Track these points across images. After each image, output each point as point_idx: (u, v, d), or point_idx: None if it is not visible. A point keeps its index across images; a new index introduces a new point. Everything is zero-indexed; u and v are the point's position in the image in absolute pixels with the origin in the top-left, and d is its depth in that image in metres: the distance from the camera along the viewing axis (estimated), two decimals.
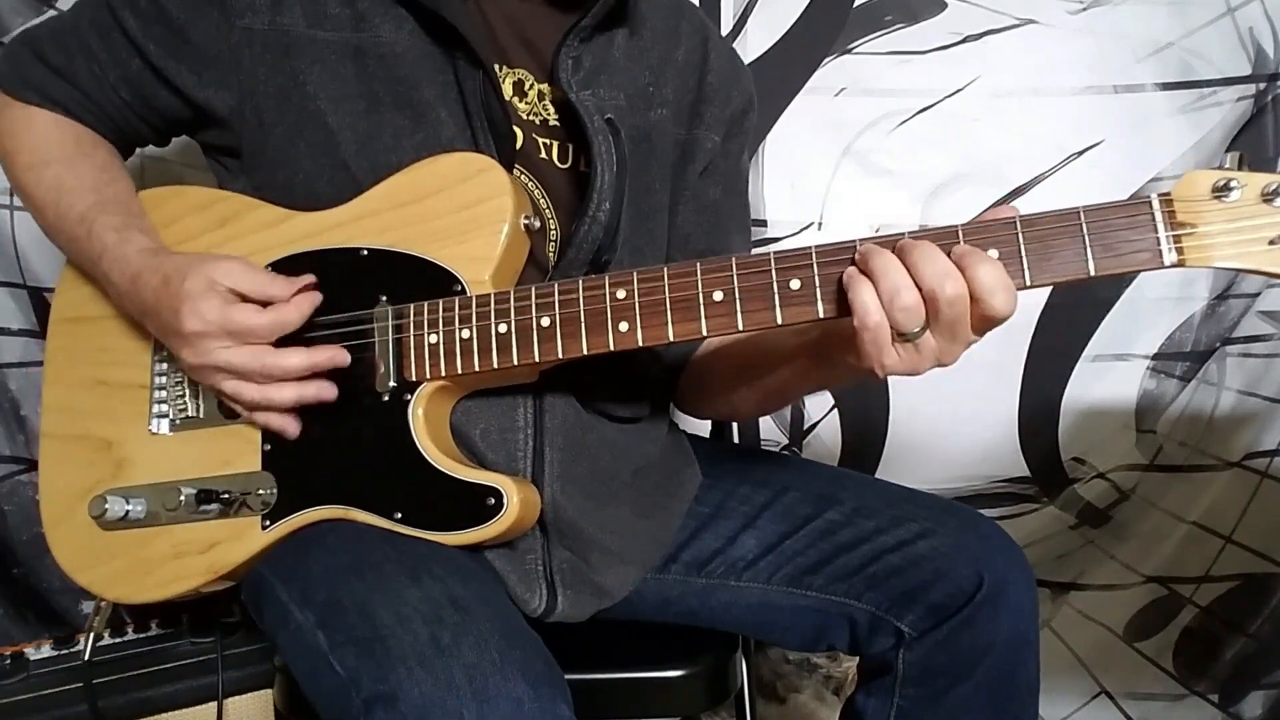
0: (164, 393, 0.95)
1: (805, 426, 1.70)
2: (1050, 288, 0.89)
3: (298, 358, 0.84)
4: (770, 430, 1.71)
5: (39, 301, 1.56)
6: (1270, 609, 1.62)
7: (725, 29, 1.58)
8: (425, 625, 0.71)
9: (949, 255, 0.71)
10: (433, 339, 0.85)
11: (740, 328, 0.78)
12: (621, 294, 0.80)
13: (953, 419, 1.66)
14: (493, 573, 0.89)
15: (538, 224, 0.89)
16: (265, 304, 0.85)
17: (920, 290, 0.70)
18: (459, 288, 0.86)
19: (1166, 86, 1.57)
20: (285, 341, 0.86)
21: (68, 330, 1.01)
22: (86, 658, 1.21)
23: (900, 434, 1.69)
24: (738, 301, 0.77)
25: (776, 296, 0.77)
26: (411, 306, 0.86)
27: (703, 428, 1.32)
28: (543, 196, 0.95)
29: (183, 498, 0.89)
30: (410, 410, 0.85)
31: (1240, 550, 1.63)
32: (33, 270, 1.55)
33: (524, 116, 0.95)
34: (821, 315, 0.76)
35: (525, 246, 0.89)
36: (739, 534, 1.02)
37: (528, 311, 0.83)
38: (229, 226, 0.94)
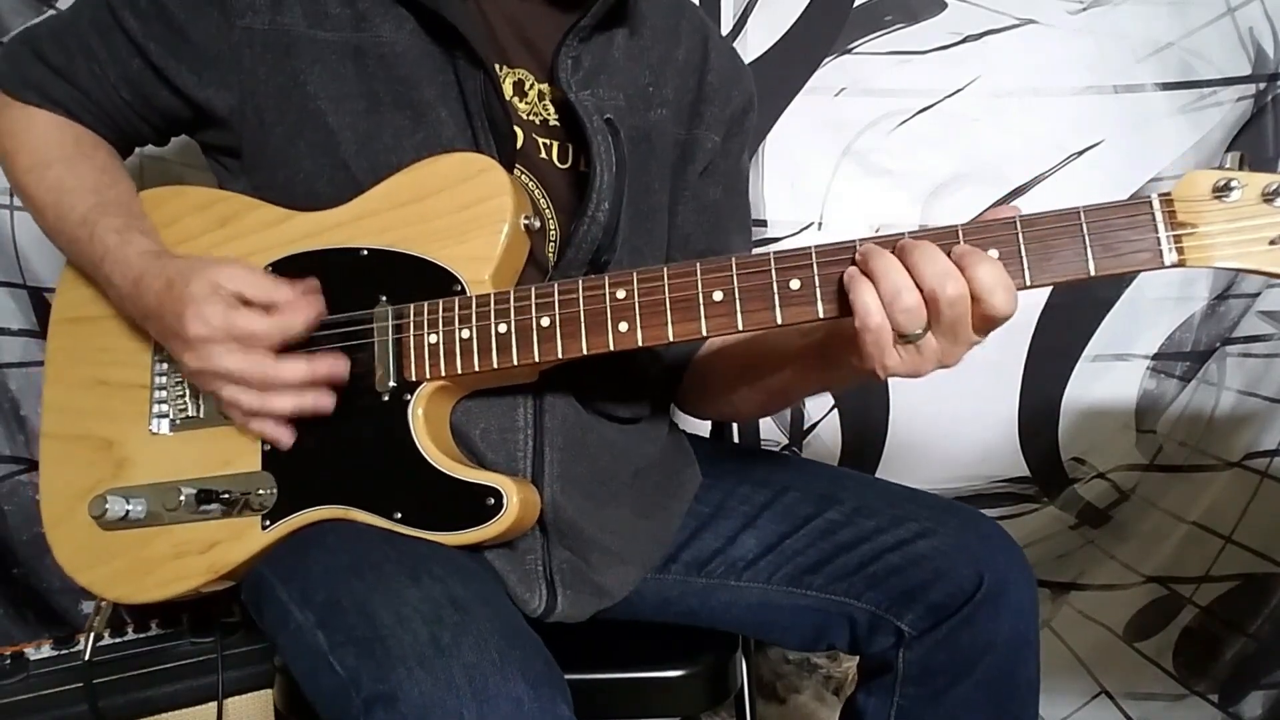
0: (164, 393, 0.95)
1: (805, 426, 1.71)
2: (1050, 288, 0.89)
3: (298, 368, 0.84)
4: (770, 430, 1.71)
5: (39, 301, 1.56)
6: (1270, 609, 1.62)
7: (725, 29, 1.58)
8: (425, 625, 0.71)
9: (948, 255, 0.71)
10: (433, 339, 0.85)
11: (740, 328, 0.78)
12: (621, 294, 0.80)
13: (953, 419, 1.66)
14: (493, 573, 0.89)
15: (538, 224, 0.89)
16: (269, 309, 0.85)
17: (921, 291, 0.70)
18: (459, 288, 0.86)
19: (1166, 86, 1.57)
20: (287, 347, 0.86)
21: (68, 330, 1.01)
22: (87, 658, 1.21)
23: (900, 434, 1.69)
24: (737, 301, 0.77)
25: (776, 296, 0.77)
26: (411, 306, 0.86)
27: (703, 428, 1.32)
28: (543, 196, 0.95)
29: (183, 498, 0.89)
30: (410, 410, 0.85)
31: (1240, 550, 1.63)
32: (33, 270, 1.55)
33: (524, 116, 0.95)
34: (821, 315, 0.76)
35: (525, 246, 0.89)
36: (739, 534, 1.02)
37: (527, 311, 0.83)
38: (229, 226, 0.94)
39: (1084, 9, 1.56)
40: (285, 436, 0.87)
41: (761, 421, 1.69)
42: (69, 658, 1.23)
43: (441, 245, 0.87)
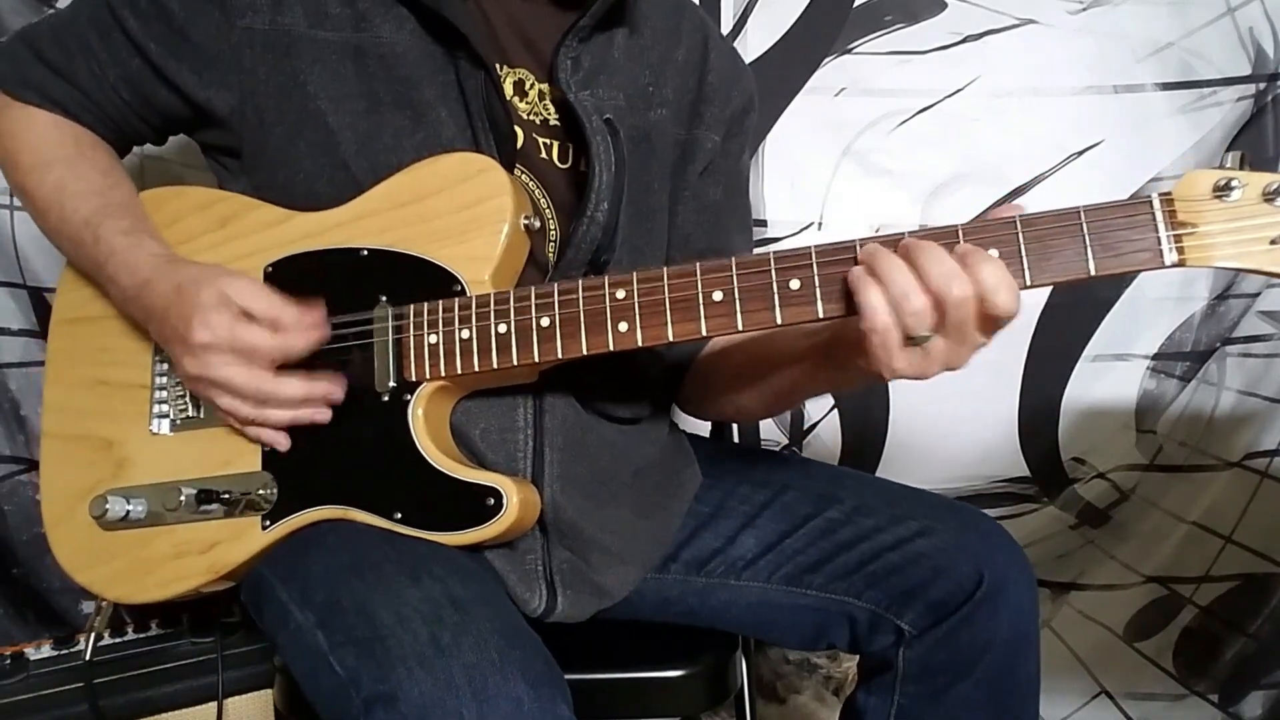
0: (164, 393, 0.95)
1: (805, 426, 1.71)
2: (1050, 288, 0.89)
3: (295, 387, 0.84)
4: (770, 430, 1.71)
5: (39, 301, 1.56)
6: (1270, 609, 1.62)
7: (725, 29, 1.58)
8: (425, 625, 0.71)
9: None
10: (432, 339, 0.85)
11: (740, 328, 0.78)
12: (621, 294, 0.80)
13: (953, 419, 1.66)
14: (492, 573, 0.89)
15: (538, 224, 0.89)
16: (273, 327, 0.84)
17: (928, 293, 0.70)
18: (459, 288, 0.86)
19: (1166, 86, 1.57)
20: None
21: (69, 331, 1.01)
22: (87, 658, 1.21)
23: (900, 434, 1.69)
24: (737, 302, 0.77)
25: (776, 297, 0.77)
26: (411, 307, 0.86)
27: (703, 428, 1.32)
28: (543, 196, 0.95)
29: (183, 498, 0.89)
30: (410, 410, 0.85)
31: (1240, 550, 1.63)
32: (33, 270, 1.55)
33: (524, 116, 0.95)
34: (821, 315, 0.76)
35: (525, 246, 0.89)
36: (739, 533, 1.02)
37: (527, 312, 0.83)
38: (229, 227, 0.94)
39: (1084, 9, 1.56)
40: (282, 441, 0.87)
41: (761, 422, 1.69)
42: (69, 658, 1.23)
43: (441, 245, 0.87)
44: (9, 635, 1.58)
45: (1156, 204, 0.69)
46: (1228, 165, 0.69)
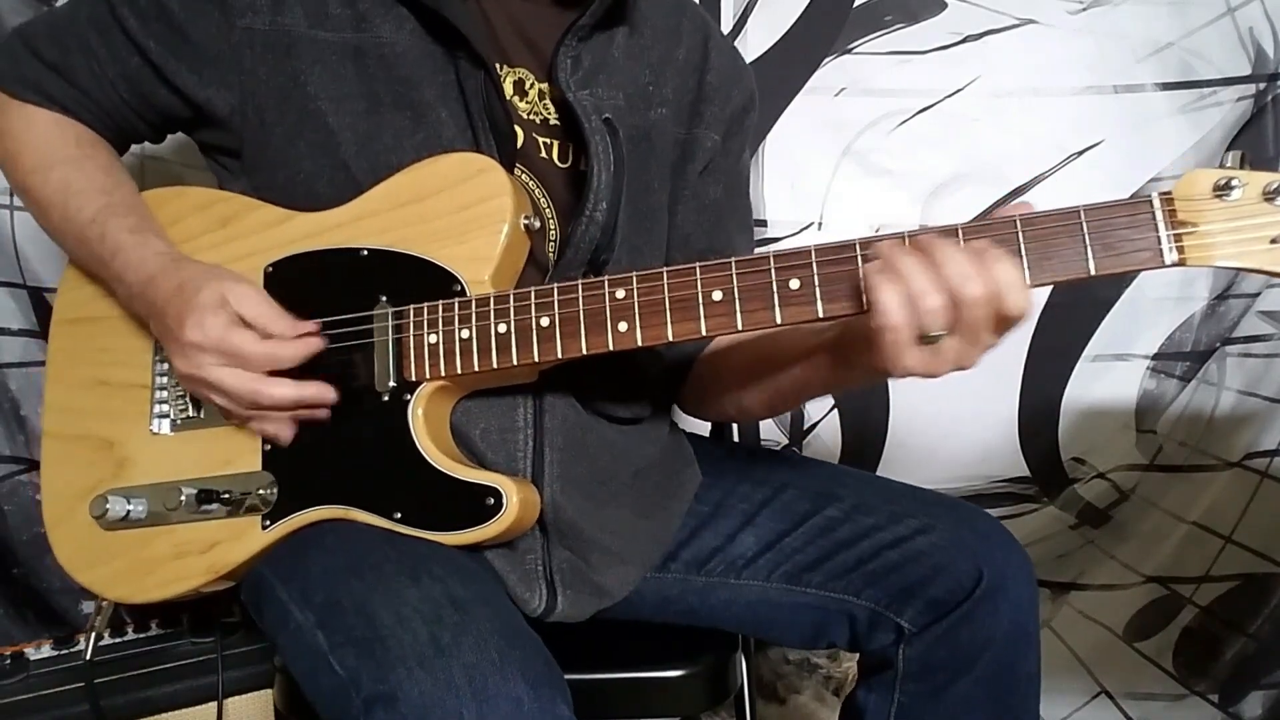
0: (165, 393, 0.95)
1: (805, 426, 1.71)
2: (1050, 287, 0.89)
3: (286, 391, 0.84)
4: (770, 430, 1.71)
5: (39, 301, 1.56)
6: (1270, 609, 1.62)
7: (725, 29, 1.58)
8: (425, 625, 0.71)
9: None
10: (432, 339, 0.85)
11: (739, 328, 0.78)
12: (621, 294, 0.81)
13: (953, 419, 1.66)
14: (492, 573, 0.89)
15: (538, 224, 0.89)
16: (265, 336, 0.85)
17: (944, 291, 0.70)
18: (459, 288, 0.86)
19: (1166, 86, 1.57)
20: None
21: (69, 331, 1.01)
22: (88, 658, 1.21)
23: (900, 434, 1.69)
24: (737, 301, 0.77)
25: (776, 296, 0.77)
26: (411, 307, 0.86)
27: (703, 428, 1.32)
28: (543, 196, 0.95)
29: (183, 498, 0.89)
30: (410, 410, 0.86)
31: (1240, 550, 1.63)
32: (33, 270, 1.55)
33: (524, 116, 0.95)
34: (821, 315, 0.76)
35: (525, 246, 0.89)
36: (738, 532, 1.02)
37: (527, 312, 0.83)
38: (230, 227, 0.94)
39: (1084, 9, 1.56)
40: (285, 433, 0.88)
41: (762, 422, 1.69)
42: (69, 658, 1.23)
43: (441, 245, 0.87)
44: (9, 635, 1.58)
45: (1157, 203, 0.70)
46: (1228, 165, 0.69)
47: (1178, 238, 0.69)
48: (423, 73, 0.91)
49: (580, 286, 0.82)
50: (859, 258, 0.75)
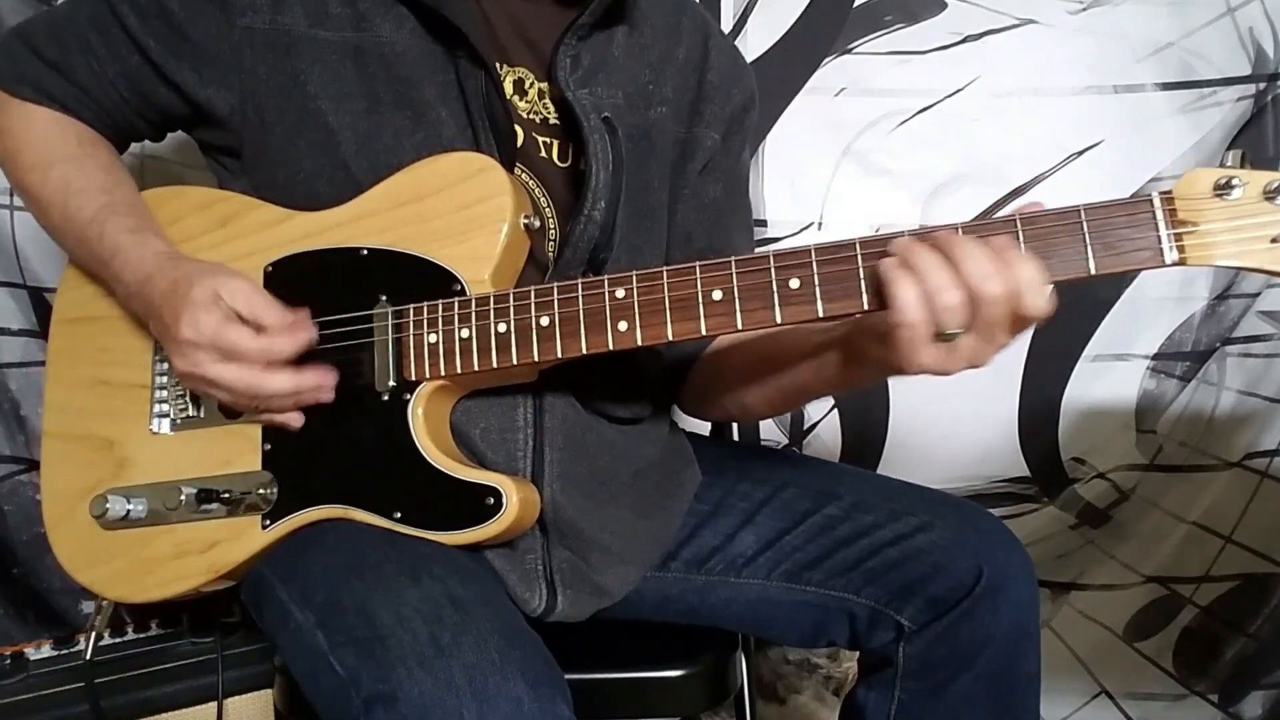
0: (165, 392, 0.95)
1: (805, 427, 1.71)
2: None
3: (284, 381, 0.84)
4: (770, 430, 1.71)
5: (39, 301, 1.56)
6: (1270, 609, 1.62)
7: (725, 29, 1.58)
8: (425, 625, 0.71)
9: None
10: (432, 338, 0.85)
11: (739, 327, 0.78)
12: (620, 293, 0.80)
13: (953, 419, 1.66)
14: (492, 572, 0.89)
15: (537, 223, 0.89)
16: (259, 330, 0.84)
17: (963, 288, 0.69)
18: (458, 287, 0.86)
19: (1166, 86, 1.57)
20: None
21: (69, 330, 1.01)
22: (88, 657, 1.21)
23: (900, 434, 1.69)
24: (737, 301, 0.77)
25: (776, 296, 0.77)
26: (411, 306, 0.86)
27: (703, 427, 1.32)
28: (543, 195, 0.95)
29: (183, 497, 0.89)
30: (410, 410, 0.85)
31: (1240, 550, 1.63)
32: (33, 270, 1.55)
33: (524, 115, 0.95)
34: (821, 315, 0.76)
35: (525, 246, 0.89)
36: (738, 531, 1.02)
37: (527, 311, 0.83)
38: (229, 226, 0.94)
39: (1084, 9, 1.56)
40: (294, 420, 0.87)
41: (761, 422, 1.69)
42: (69, 658, 1.23)
43: (441, 245, 0.87)
44: (9, 635, 1.58)
45: (1157, 202, 0.69)
46: (1228, 164, 0.69)
47: (1178, 237, 0.69)
48: (423, 72, 0.91)
49: (580, 286, 0.82)
50: (859, 257, 0.75)
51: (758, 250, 0.93)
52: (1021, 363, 1.65)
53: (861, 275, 0.75)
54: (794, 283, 0.76)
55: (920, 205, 1.61)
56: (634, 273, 0.80)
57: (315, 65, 0.91)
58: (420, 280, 0.86)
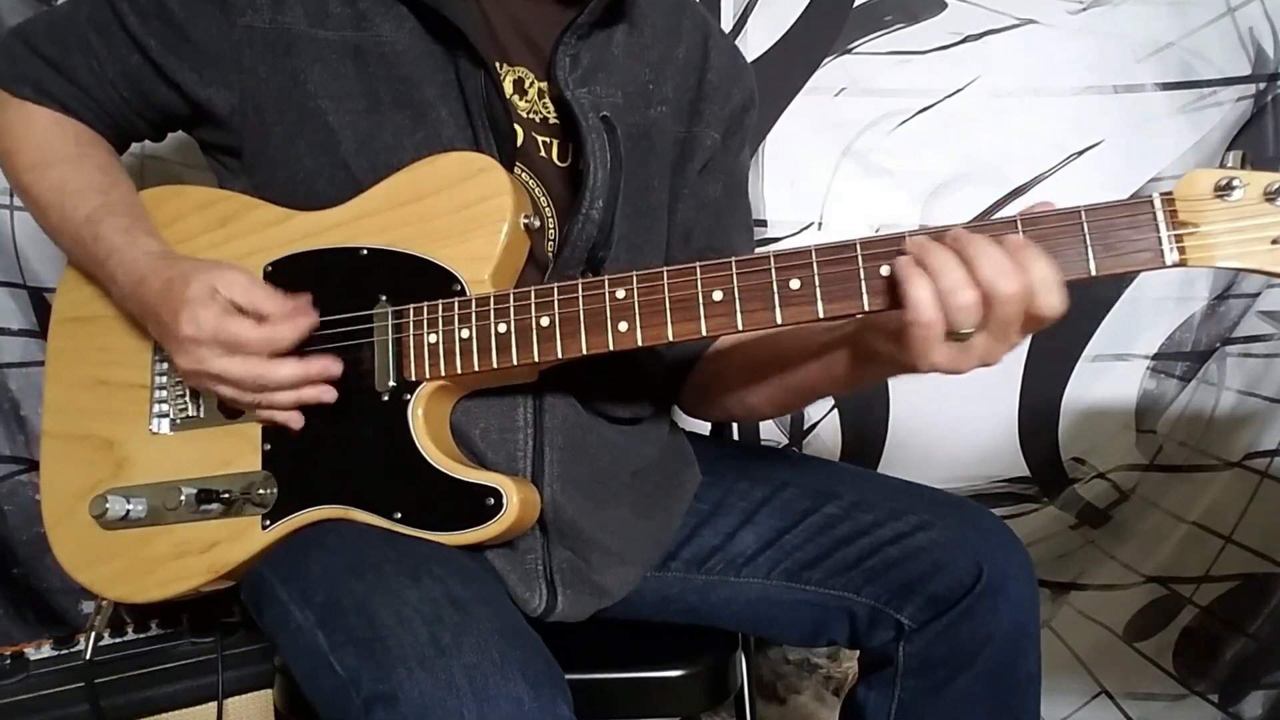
0: (164, 392, 0.95)
1: (805, 427, 1.71)
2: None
3: (290, 369, 0.84)
4: (770, 431, 1.71)
5: (39, 301, 1.56)
6: (1270, 609, 1.62)
7: (725, 29, 1.58)
8: (425, 625, 0.71)
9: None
10: (432, 339, 0.85)
11: (740, 328, 0.78)
12: (621, 294, 0.80)
13: (953, 419, 1.66)
14: (493, 573, 0.89)
15: (538, 223, 0.89)
16: (259, 319, 0.84)
17: (978, 288, 0.69)
18: (459, 287, 0.86)
19: (1166, 86, 1.57)
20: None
21: (69, 330, 1.01)
22: (88, 657, 1.21)
23: (900, 434, 1.69)
24: (737, 301, 0.77)
25: (776, 297, 0.77)
26: (411, 306, 0.86)
27: (703, 427, 1.32)
28: (543, 194, 0.95)
29: (183, 497, 0.89)
30: (410, 410, 0.85)
31: (1240, 550, 1.63)
32: (33, 270, 1.55)
33: (524, 114, 0.95)
34: (821, 315, 0.76)
35: (525, 246, 0.89)
36: (738, 530, 1.02)
37: (527, 311, 0.83)
38: (229, 226, 0.94)
39: (1084, 9, 1.56)
40: (295, 420, 0.87)
41: (761, 422, 1.69)
42: (69, 658, 1.23)
43: (441, 245, 0.87)
44: (9, 635, 1.58)
45: (1158, 204, 0.69)
46: (1229, 165, 0.69)
47: (1179, 238, 0.69)
48: (423, 71, 0.91)
49: (580, 286, 0.82)
50: (859, 258, 0.75)
51: (758, 250, 0.93)
52: (1021, 363, 1.66)
53: (862, 276, 0.75)
54: (794, 283, 0.76)
55: (920, 205, 1.61)
56: (634, 273, 0.80)
57: (315, 65, 0.91)
58: (420, 280, 0.86)
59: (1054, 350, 1.64)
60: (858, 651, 1.05)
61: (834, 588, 0.98)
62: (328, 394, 0.86)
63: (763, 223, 1.61)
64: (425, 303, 0.86)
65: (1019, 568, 0.94)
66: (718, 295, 0.78)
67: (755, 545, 1.01)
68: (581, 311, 0.81)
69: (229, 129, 0.94)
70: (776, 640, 1.63)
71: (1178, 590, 1.69)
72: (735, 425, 1.45)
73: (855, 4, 1.58)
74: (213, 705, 1.22)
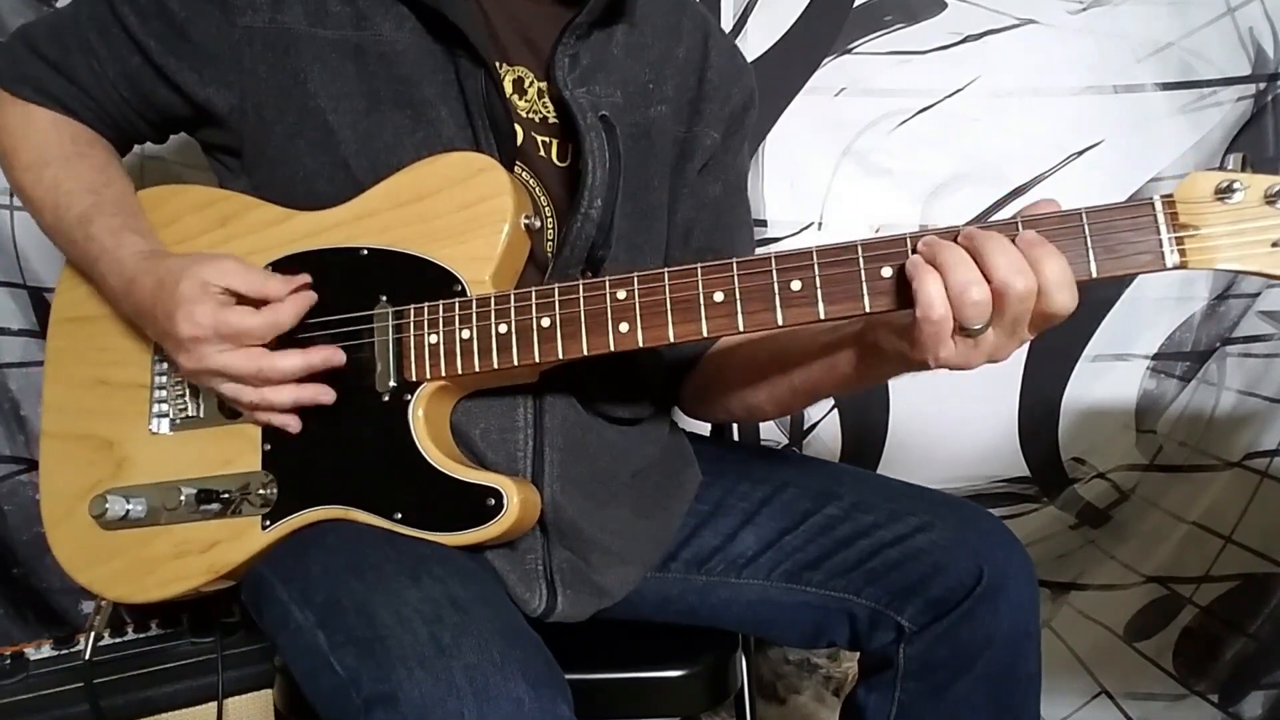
0: (164, 392, 0.95)
1: (805, 427, 1.70)
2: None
3: (293, 359, 0.84)
4: (770, 431, 1.71)
5: (39, 301, 1.56)
6: (1270, 609, 1.62)
7: (725, 29, 1.57)
8: (425, 625, 0.71)
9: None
10: (433, 339, 0.85)
11: (741, 329, 0.78)
12: (622, 294, 0.80)
13: (953, 419, 1.66)
14: (493, 573, 0.89)
15: (538, 223, 0.89)
16: (260, 303, 0.85)
17: (990, 285, 0.69)
18: (459, 288, 0.86)
19: (1166, 86, 1.57)
20: (282, 342, 0.86)
21: (68, 330, 1.01)
22: (87, 657, 1.21)
23: (900, 434, 1.69)
24: (738, 302, 0.77)
25: (777, 298, 0.77)
26: (411, 307, 0.86)
27: (703, 427, 1.32)
28: (543, 194, 0.95)
29: (183, 497, 0.89)
30: (410, 410, 0.85)
31: (1240, 550, 1.63)
32: (33, 270, 1.55)
33: (524, 114, 0.95)
34: (823, 316, 0.76)
35: (525, 246, 0.89)
36: (738, 531, 1.02)
37: (528, 312, 0.83)
38: (229, 226, 0.94)
39: (1084, 9, 1.56)
40: (292, 423, 0.87)
41: (762, 423, 1.69)
42: (69, 658, 1.23)
43: (442, 245, 0.87)
44: (9, 635, 1.58)
45: (1158, 206, 0.69)
46: (1229, 167, 0.69)
47: (1179, 240, 0.69)
48: (422, 71, 0.91)
49: (581, 287, 0.82)
50: (860, 259, 0.75)
51: (758, 251, 0.93)
52: (1021, 363, 1.66)
53: (864, 277, 0.75)
54: (796, 284, 0.76)
55: (920, 205, 1.61)
56: (635, 274, 0.80)
57: (315, 64, 0.91)
58: (421, 280, 0.86)
59: (1054, 350, 1.64)
60: (858, 653, 1.04)
61: (834, 589, 0.98)
62: (326, 395, 0.86)
63: (763, 223, 1.61)
64: (426, 303, 0.86)
65: (1019, 568, 0.94)
66: (719, 296, 0.78)
67: (756, 546, 1.01)
68: (582, 312, 0.81)
69: (229, 129, 0.94)
70: (777, 641, 1.63)
71: (1178, 590, 1.69)
72: (735, 425, 1.45)
73: (855, 4, 1.58)
74: (213, 705, 1.22)
